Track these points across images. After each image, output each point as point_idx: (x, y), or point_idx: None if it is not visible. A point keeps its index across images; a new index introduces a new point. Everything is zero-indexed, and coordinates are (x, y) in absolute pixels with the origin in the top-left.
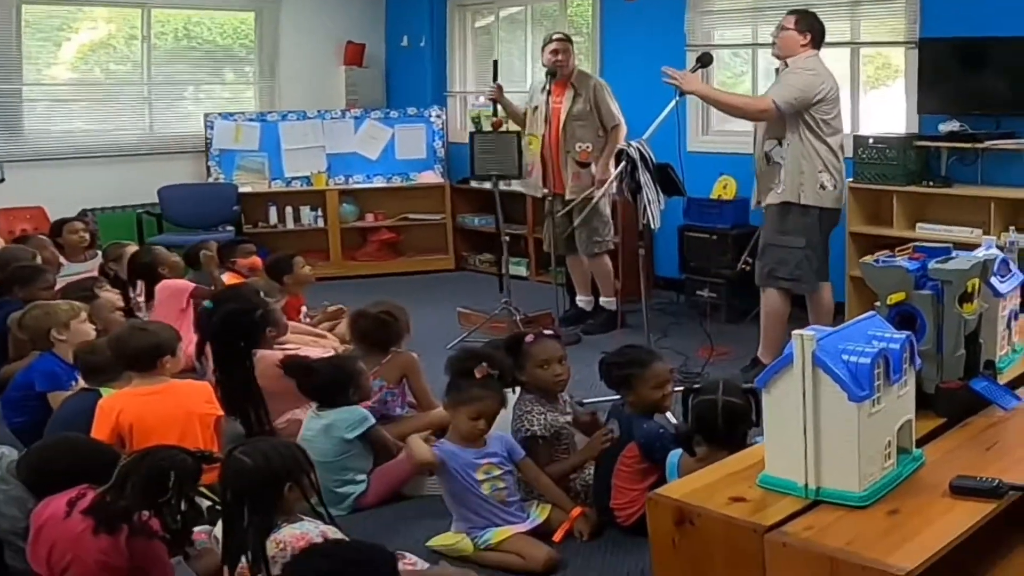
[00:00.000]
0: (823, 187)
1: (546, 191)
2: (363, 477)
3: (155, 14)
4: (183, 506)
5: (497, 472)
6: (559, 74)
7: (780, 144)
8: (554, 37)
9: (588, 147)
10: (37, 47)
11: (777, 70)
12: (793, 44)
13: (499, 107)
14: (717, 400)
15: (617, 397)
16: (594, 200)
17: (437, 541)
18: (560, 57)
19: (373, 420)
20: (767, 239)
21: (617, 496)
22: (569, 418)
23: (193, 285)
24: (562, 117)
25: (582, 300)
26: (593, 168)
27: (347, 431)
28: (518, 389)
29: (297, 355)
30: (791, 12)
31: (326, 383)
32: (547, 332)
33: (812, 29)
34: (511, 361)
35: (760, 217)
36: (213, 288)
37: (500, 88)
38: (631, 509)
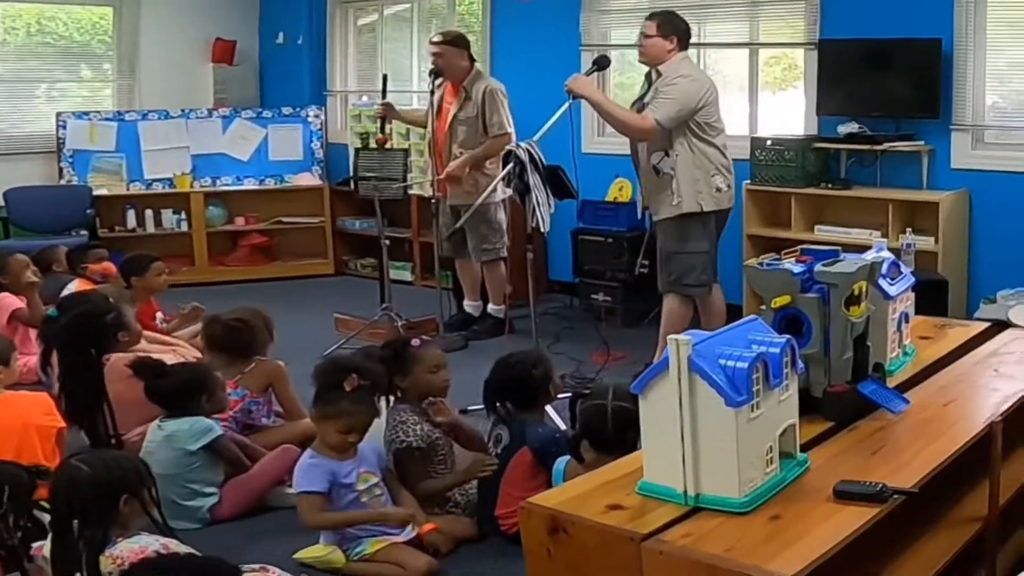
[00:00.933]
0: (718, 190)
1: (436, 193)
2: (212, 490)
3: (5, 8)
4: (19, 522)
5: (374, 480)
6: (444, 75)
7: (667, 155)
8: (432, 39)
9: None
10: None
11: (648, 74)
12: (660, 51)
13: (387, 124)
14: (607, 405)
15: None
16: (472, 207)
17: (306, 553)
18: (438, 59)
19: (219, 432)
20: (670, 248)
21: (503, 503)
22: (441, 418)
23: (16, 305)
24: (448, 119)
25: (470, 305)
26: (485, 172)
27: (190, 442)
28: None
29: (148, 357)
30: (651, 17)
31: (176, 388)
32: (426, 337)
33: (677, 31)
34: (383, 370)
35: (650, 221)
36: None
37: (389, 105)
38: (516, 517)
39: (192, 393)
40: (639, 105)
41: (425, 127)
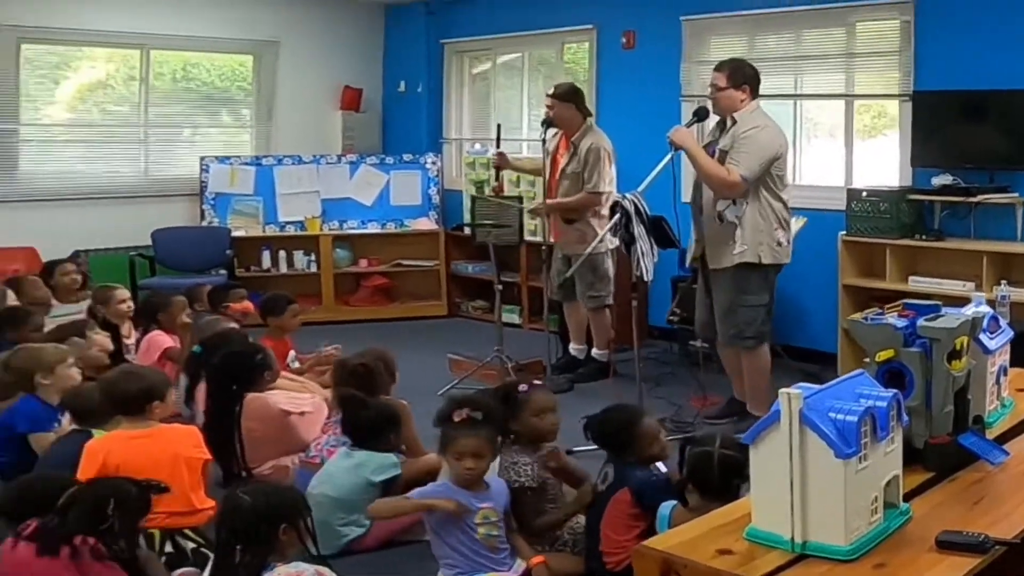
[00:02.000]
0: (779, 244)
1: (549, 238)
2: (367, 522)
3: (154, 55)
4: (126, 533)
5: (494, 518)
6: (555, 125)
7: (734, 203)
8: (547, 92)
9: None
10: (35, 86)
11: (723, 123)
12: (733, 102)
13: (501, 173)
14: (713, 452)
15: None
16: (583, 255)
17: None
18: (550, 112)
19: (400, 471)
20: (731, 301)
21: (606, 542)
22: (554, 463)
23: (168, 343)
24: (558, 172)
25: (575, 348)
26: (594, 223)
27: (376, 473)
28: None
29: (352, 390)
30: (719, 67)
31: (375, 421)
32: (536, 382)
33: (748, 79)
34: (496, 404)
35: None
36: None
37: (503, 155)
38: (619, 556)
39: (384, 427)
40: (712, 149)
41: (536, 175)
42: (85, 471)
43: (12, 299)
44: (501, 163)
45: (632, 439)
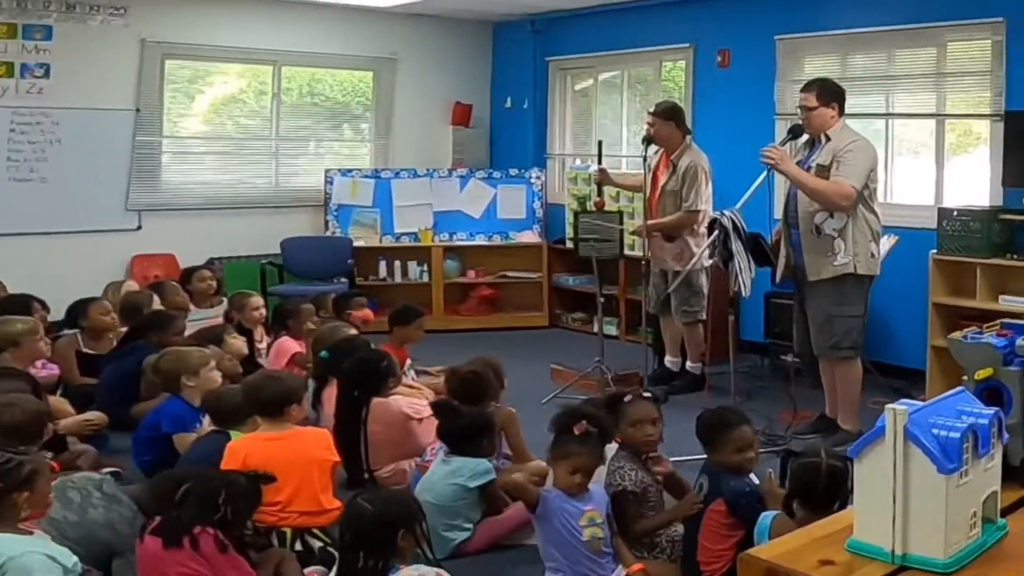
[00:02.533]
0: (873, 256)
1: (648, 254)
2: (470, 525)
3: (284, 71)
4: (237, 523)
5: (599, 520)
6: (656, 143)
7: (831, 215)
8: (648, 110)
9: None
10: (171, 100)
11: (811, 141)
12: (824, 119)
13: (602, 188)
14: (821, 463)
15: (703, 457)
16: (683, 272)
17: None
18: (650, 129)
19: (494, 475)
20: (828, 312)
21: (702, 552)
22: (661, 469)
23: (296, 349)
24: (658, 189)
25: (670, 360)
26: (691, 241)
27: (471, 480)
28: (614, 446)
29: (445, 399)
30: (807, 88)
31: (468, 428)
32: (645, 394)
33: (836, 97)
34: (610, 419)
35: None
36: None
37: (604, 171)
38: (716, 564)
39: (478, 435)
40: (805, 165)
41: (636, 191)
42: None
43: (157, 303)
44: (603, 179)
45: (726, 440)
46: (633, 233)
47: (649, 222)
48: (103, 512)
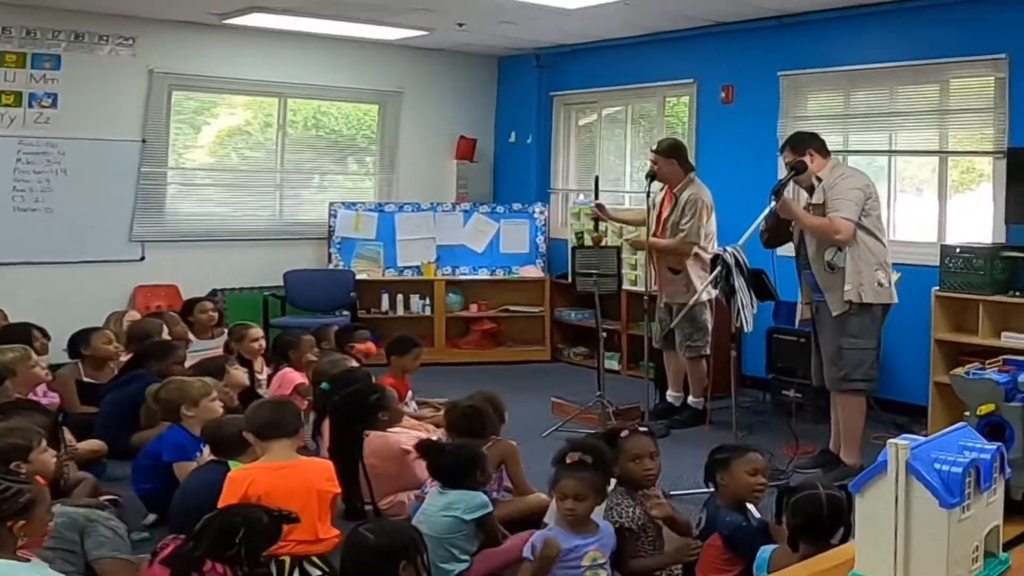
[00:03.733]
0: (880, 284)
1: (653, 288)
2: (467, 557)
3: (290, 103)
4: (251, 560)
5: (601, 560)
6: (658, 179)
7: (840, 249)
8: (651, 148)
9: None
10: (178, 132)
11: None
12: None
13: (600, 223)
14: (821, 495)
15: (705, 491)
16: (686, 307)
17: None
18: (654, 167)
19: (491, 508)
20: (837, 343)
21: None
22: (657, 512)
23: (299, 380)
24: (662, 223)
25: (672, 395)
26: (690, 274)
27: (466, 512)
28: (612, 482)
29: (429, 439)
30: (782, 149)
31: (456, 464)
32: (642, 428)
33: (808, 144)
34: (608, 449)
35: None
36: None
37: (601, 206)
38: None
39: (468, 468)
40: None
41: (639, 226)
42: (227, 499)
43: (166, 332)
44: (600, 214)
45: (737, 460)
46: (632, 244)
47: (650, 240)
48: (107, 544)
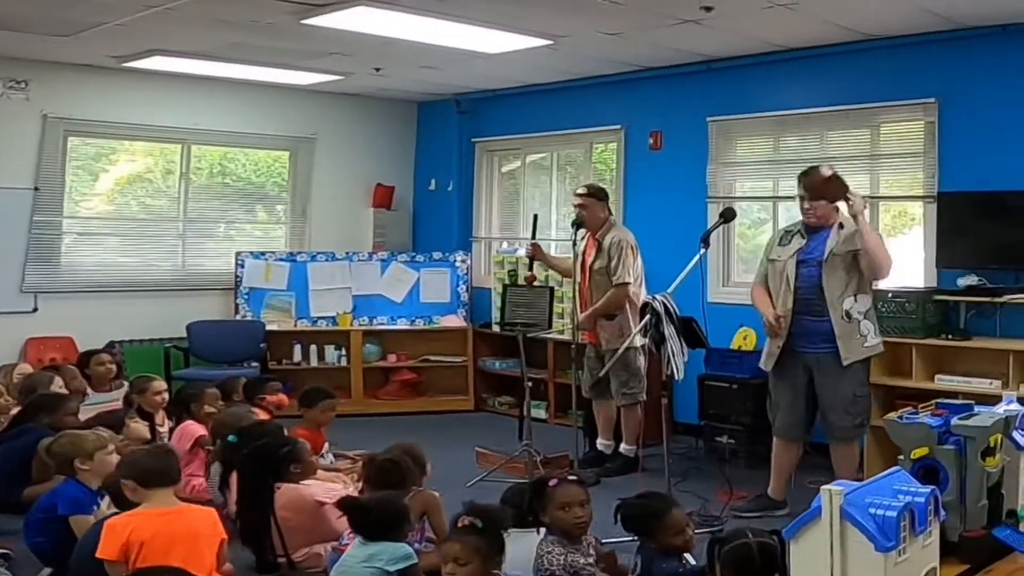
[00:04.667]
0: (875, 335)
1: (582, 339)
2: None
3: (194, 150)
4: None
5: None
6: (585, 225)
7: (856, 299)
8: (577, 191)
9: None
10: (74, 179)
11: (798, 232)
12: (830, 213)
13: (534, 263)
14: (751, 543)
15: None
16: (617, 353)
17: None
18: (582, 211)
19: (415, 560)
20: (854, 392)
21: None
22: (591, 559)
23: (200, 432)
24: (587, 271)
25: (602, 443)
26: (623, 320)
27: (390, 564)
28: (543, 531)
29: (350, 496)
30: (813, 192)
31: (379, 520)
32: (571, 477)
33: (837, 189)
34: (503, 510)
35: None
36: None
37: (537, 247)
38: None
39: (391, 521)
40: (822, 255)
41: (567, 276)
42: (107, 546)
43: (59, 385)
44: (536, 254)
45: (659, 527)
46: (579, 327)
47: (582, 316)
48: None
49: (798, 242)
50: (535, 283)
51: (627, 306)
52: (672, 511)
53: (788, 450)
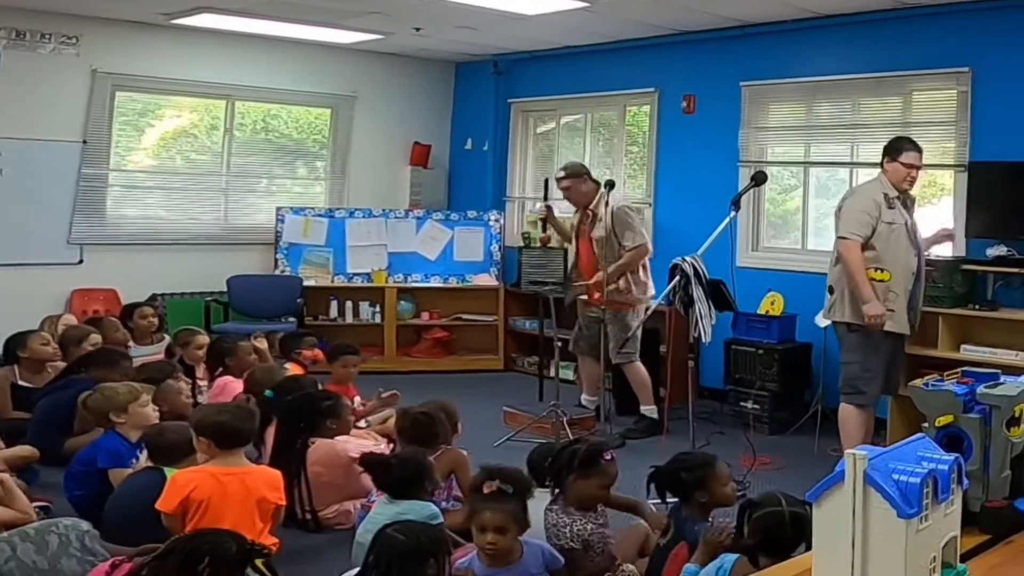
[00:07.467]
0: None
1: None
2: None
3: (238, 106)
4: None
5: None
6: (575, 205)
7: None
8: (556, 177)
9: None
10: (121, 133)
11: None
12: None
13: (548, 225)
14: (784, 511)
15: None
16: (644, 313)
17: None
18: (567, 194)
19: (441, 518)
20: (900, 357)
21: None
22: (600, 522)
23: (239, 389)
24: (590, 241)
25: (586, 399)
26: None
27: None
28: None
29: (374, 452)
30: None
31: (400, 477)
32: (597, 439)
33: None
34: (527, 477)
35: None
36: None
37: (550, 209)
38: None
39: (415, 478)
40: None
41: (570, 241)
42: (167, 501)
43: (95, 343)
44: (548, 215)
45: (712, 475)
46: (593, 287)
47: (610, 269)
48: (76, 564)
49: (901, 209)
50: (548, 244)
51: (639, 269)
52: (718, 463)
53: (871, 420)
